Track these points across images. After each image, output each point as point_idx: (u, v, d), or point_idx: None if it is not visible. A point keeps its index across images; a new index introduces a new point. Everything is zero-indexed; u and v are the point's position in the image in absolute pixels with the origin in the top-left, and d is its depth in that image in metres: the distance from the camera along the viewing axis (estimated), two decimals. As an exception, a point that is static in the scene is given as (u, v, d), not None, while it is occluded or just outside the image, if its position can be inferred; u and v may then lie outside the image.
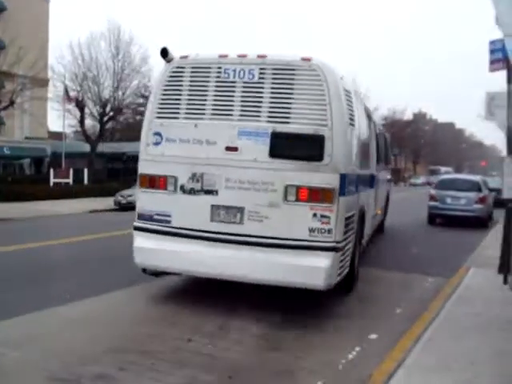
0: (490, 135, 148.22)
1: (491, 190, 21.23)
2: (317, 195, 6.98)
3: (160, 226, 7.54)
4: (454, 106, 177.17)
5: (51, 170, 34.65)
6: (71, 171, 34.68)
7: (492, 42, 9.32)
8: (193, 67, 7.58)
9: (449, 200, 19.35)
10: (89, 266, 10.61)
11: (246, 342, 6.26)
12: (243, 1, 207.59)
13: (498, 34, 8.94)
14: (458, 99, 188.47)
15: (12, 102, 31.04)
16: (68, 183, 34.05)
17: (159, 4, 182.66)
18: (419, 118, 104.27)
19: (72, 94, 36.66)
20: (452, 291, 8.58)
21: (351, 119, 7.75)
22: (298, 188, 7.03)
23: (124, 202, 26.30)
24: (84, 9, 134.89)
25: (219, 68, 7.39)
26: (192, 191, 7.40)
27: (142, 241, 7.66)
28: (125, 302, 8.05)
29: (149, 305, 7.88)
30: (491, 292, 8.53)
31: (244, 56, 7.46)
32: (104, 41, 38.89)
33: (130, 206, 25.89)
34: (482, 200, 19.13)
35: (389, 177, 17.99)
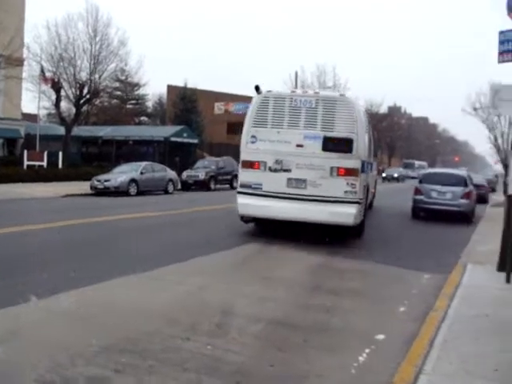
0: (462, 131, 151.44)
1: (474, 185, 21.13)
2: (349, 172, 11.87)
3: (255, 190, 12.28)
4: (427, 101, 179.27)
5: (25, 152, 33.55)
6: (45, 154, 33.59)
7: (502, 33, 8.94)
8: (275, 97, 12.41)
9: (434, 194, 19.08)
10: (71, 254, 10.06)
11: (248, 343, 5.80)
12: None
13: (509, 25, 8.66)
14: (432, 95, 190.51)
15: (-15, 81, 29.92)
16: (42, 166, 32.97)
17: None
18: (394, 111, 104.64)
19: (48, 75, 35.56)
20: (454, 290, 8.25)
21: (366, 128, 13.12)
22: (338, 168, 11.87)
23: (101, 186, 25.39)
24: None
25: (291, 99, 12.28)
26: (275, 170, 12.14)
27: (243, 200, 12.40)
28: (117, 293, 7.52)
29: (144, 297, 7.39)
30: (495, 291, 8.20)
31: (306, 91, 13.12)
32: (82, 22, 37.81)
33: (107, 192, 25.03)
34: (467, 195, 18.89)
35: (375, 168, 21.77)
